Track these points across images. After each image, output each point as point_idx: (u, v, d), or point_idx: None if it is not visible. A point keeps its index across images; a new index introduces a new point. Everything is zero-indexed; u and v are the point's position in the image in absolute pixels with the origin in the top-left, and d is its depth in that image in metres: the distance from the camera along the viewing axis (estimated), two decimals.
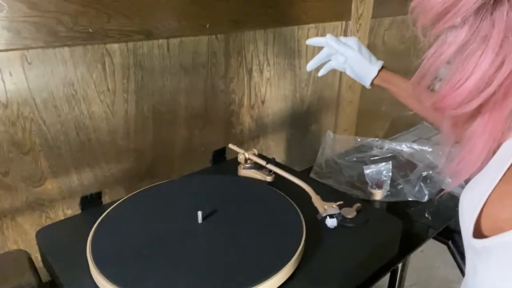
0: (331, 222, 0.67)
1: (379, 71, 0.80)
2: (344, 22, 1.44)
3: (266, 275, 0.55)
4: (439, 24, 0.39)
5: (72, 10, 0.82)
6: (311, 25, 1.33)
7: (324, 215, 0.68)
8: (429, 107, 0.42)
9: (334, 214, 0.68)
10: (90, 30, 0.87)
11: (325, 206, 0.69)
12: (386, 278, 0.98)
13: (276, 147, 1.42)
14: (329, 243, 0.65)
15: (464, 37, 0.38)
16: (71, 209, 0.97)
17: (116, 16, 0.89)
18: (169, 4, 0.96)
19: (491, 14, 0.36)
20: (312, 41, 0.86)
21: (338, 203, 0.70)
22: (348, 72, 0.84)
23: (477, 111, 0.41)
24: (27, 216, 0.91)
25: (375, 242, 0.67)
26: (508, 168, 0.40)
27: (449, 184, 0.42)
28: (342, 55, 0.82)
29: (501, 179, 0.40)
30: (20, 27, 0.78)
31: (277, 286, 0.56)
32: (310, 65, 0.87)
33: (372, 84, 0.82)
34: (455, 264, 0.98)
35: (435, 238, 0.94)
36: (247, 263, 0.58)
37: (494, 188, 0.40)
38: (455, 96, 0.39)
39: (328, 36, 0.82)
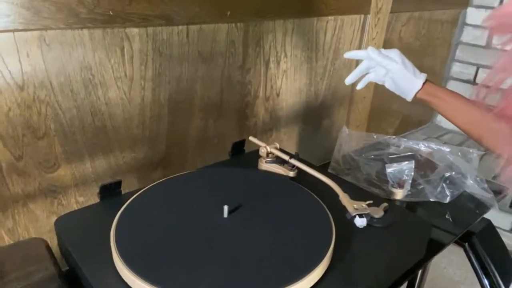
0: (360, 222, 0.65)
1: (423, 84, 0.76)
2: (362, 16, 1.41)
3: (299, 275, 0.53)
4: None
5: None
6: (330, 17, 1.30)
7: (354, 214, 0.66)
8: (495, 114, 0.42)
9: (364, 213, 0.66)
10: (111, 13, 0.83)
11: (355, 205, 0.67)
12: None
13: (288, 141, 1.40)
14: (358, 243, 0.63)
15: None
16: (84, 197, 0.95)
17: None
18: None
19: None
20: (351, 54, 0.82)
21: (367, 202, 0.68)
22: (388, 85, 0.80)
23: None
24: (39, 202, 0.88)
25: (404, 243, 0.65)
26: None
27: (509, 189, 0.43)
28: (384, 68, 0.78)
29: None
30: (41, 7, 0.74)
31: (310, 286, 0.54)
32: (349, 79, 0.83)
33: (414, 97, 0.78)
34: (461, 265, 0.96)
35: None
36: (278, 262, 0.56)
37: None
38: None
39: (370, 48, 0.77)
